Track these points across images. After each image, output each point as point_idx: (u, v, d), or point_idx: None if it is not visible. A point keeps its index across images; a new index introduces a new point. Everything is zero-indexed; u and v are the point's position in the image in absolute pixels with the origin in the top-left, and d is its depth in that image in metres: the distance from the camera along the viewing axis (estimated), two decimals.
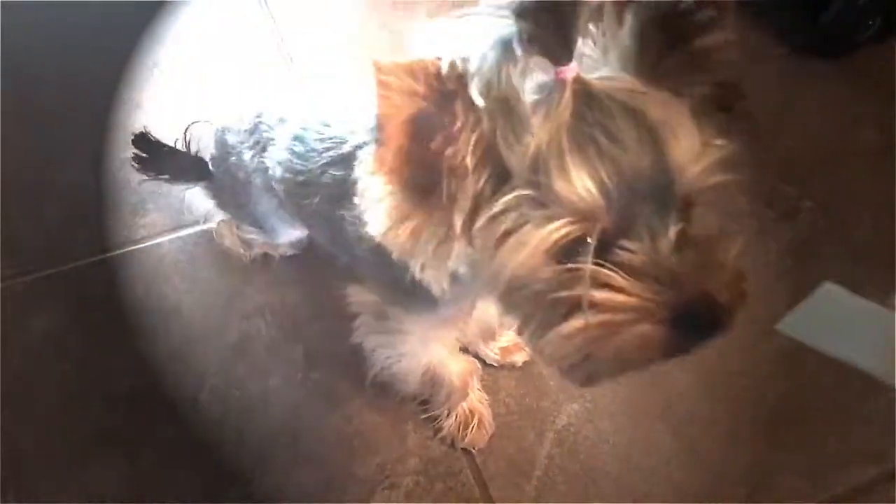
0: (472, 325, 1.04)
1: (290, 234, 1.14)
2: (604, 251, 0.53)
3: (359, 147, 0.76)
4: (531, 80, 0.51)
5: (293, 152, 0.86)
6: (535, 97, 0.51)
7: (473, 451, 1.08)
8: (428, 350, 0.95)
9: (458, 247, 0.56)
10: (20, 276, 1.19)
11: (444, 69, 0.50)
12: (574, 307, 0.55)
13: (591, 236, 0.52)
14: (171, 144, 1.12)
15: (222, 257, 1.22)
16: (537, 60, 0.51)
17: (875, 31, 1.45)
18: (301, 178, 0.86)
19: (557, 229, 0.52)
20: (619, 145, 0.50)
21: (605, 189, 0.50)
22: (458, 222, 0.54)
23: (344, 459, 1.07)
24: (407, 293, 0.75)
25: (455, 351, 1.02)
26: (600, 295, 0.53)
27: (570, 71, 0.51)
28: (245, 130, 0.97)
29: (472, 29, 0.51)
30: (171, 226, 1.25)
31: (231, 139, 1.00)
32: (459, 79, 0.50)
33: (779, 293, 1.24)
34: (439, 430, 1.08)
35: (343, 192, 0.78)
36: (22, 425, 1.08)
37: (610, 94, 0.51)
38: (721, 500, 1.07)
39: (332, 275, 1.17)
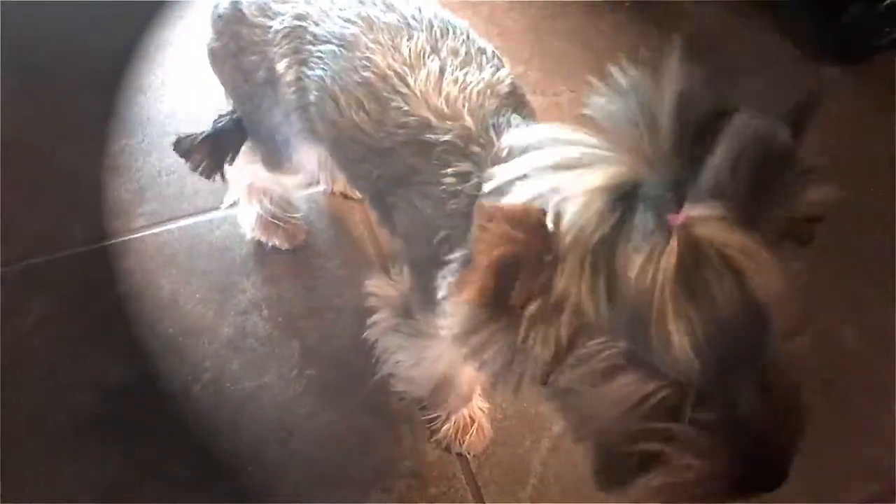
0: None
1: (305, 162, 1.04)
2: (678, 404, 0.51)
3: (444, 146, 0.73)
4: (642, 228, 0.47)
5: (360, 106, 0.78)
6: (640, 247, 0.46)
7: (469, 456, 1.07)
8: (449, 360, 0.91)
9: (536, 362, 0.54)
10: (16, 262, 1.18)
11: (548, 223, 0.48)
12: (650, 458, 0.53)
13: (684, 401, 0.50)
14: (209, 130, 1.06)
15: (220, 249, 1.21)
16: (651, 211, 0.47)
17: (892, 38, 1.43)
18: (364, 137, 0.79)
19: (655, 392, 0.50)
20: (714, 304, 0.45)
21: (697, 349, 0.46)
22: (535, 368, 0.53)
23: (337, 459, 1.06)
24: (434, 295, 0.74)
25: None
26: (685, 460, 0.51)
27: (681, 217, 0.46)
28: (276, 29, 0.85)
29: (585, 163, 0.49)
30: (170, 215, 1.23)
31: (247, 33, 0.88)
32: (559, 239, 0.48)
33: (786, 303, 1.23)
34: (434, 432, 1.07)
35: (408, 180, 0.76)
36: (13, 412, 1.07)
37: (716, 246, 0.46)
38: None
39: (329, 269, 1.18)
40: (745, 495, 0.54)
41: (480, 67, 0.77)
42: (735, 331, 0.46)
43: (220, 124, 1.06)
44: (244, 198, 1.16)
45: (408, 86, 0.76)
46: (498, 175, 0.53)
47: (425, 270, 0.74)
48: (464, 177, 0.72)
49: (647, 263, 0.46)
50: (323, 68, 0.80)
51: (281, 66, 0.85)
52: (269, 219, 1.17)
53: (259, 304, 1.17)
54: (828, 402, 1.14)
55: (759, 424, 0.50)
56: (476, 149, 0.72)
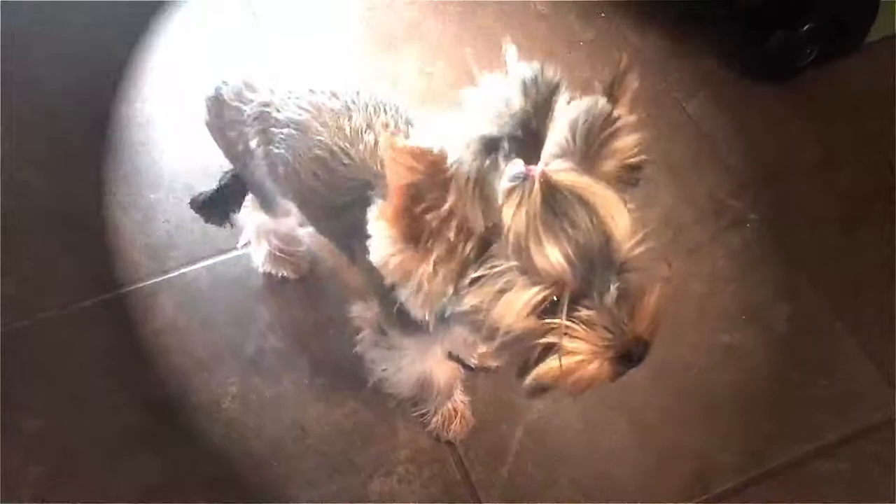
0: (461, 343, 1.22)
1: (287, 210, 1.24)
2: (568, 309, 0.70)
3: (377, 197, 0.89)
4: (505, 172, 0.66)
5: (315, 175, 0.97)
6: (510, 186, 0.66)
7: (456, 442, 1.26)
8: (422, 362, 1.11)
9: (447, 293, 0.72)
10: (73, 305, 1.38)
11: (440, 158, 0.64)
12: (547, 349, 0.72)
13: (562, 298, 0.69)
14: (215, 187, 1.27)
15: (238, 283, 1.41)
16: (512, 160, 0.66)
17: (814, 57, 1.61)
18: (321, 200, 0.99)
19: (539, 292, 0.68)
20: (578, 229, 0.66)
21: (571, 262, 0.67)
22: (448, 274, 0.71)
23: (345, 450, 1.26)
24: (404, 317, 0.90)
25: (442, 359, 1.18)
26: (569, 344, 0.71)
27: (537, 168, 0.67)
28: (248, 113, 1.03)
29: (465, 125, 0.67)
30: (196, 257, 1.44)
31: (227, 113, 1.07)
32: (451, 169, 0.64)
33: (725, 296, 1.42)
34: (426, 425, 1.26)
35: (357, 228, 0.89)
36: (75, 429, 1.27)
37: (568, 185, 0.67)
38: (672, 475, 1.24)
39: (330, 293, 1.38)
40: (619, 371, 0.73)
41: (407, 135, 0.95)
42: (592, 243, 0.67)
43: (223, 181, 1.27)
44: (254, 238, 1.37)
45: (350, 157, 0.95)
46: None
47: (385, 295, 0.90)
48: None
49: (520, 200, 0.66)
50: (285, 148, 1.00)
51: (253, 144, 1.05)
52: (277, 253, 1.37)
53: (274, 326, 1.37)
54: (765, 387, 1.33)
55: (621, 314, 0.71)
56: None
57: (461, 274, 0.70)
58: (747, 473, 1.24)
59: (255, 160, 1.07)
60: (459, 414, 1.25)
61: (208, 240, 1.45)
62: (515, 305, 0.69)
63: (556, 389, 0.75)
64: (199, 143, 1.51)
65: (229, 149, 1.14)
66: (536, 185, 0.65)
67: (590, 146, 0.69)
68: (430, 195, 0.66)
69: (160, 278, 1.42)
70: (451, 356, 1.27)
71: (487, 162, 0.64)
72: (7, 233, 1.45)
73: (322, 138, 0.97)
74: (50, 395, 1.31)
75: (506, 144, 0.64)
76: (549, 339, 0.71)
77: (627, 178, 0.74)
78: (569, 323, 0.70)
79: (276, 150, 1.01)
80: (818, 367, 1.34)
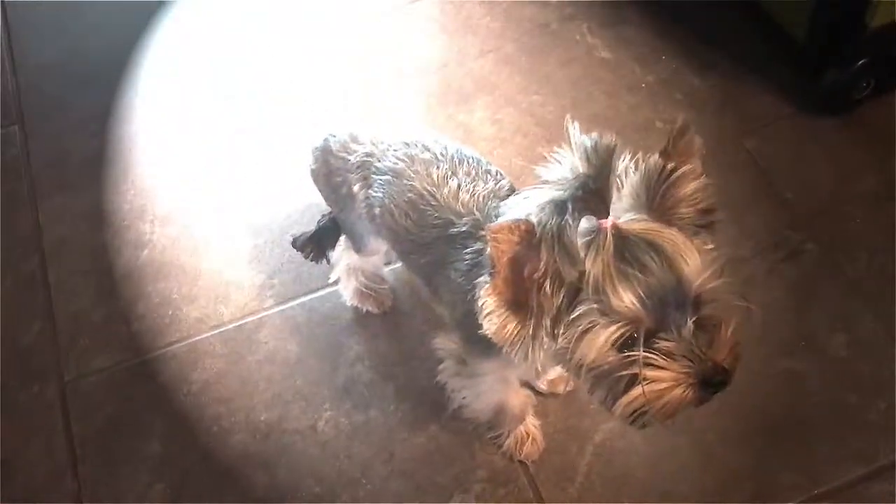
0: (532, 370, 1.34)
1: (377, 248, 1.39)
2: (647, 343, 0.79)
3: (463, 234, 1.04)
4: (581, 228, 0.76)
5: (408, 216, 1.10)
6: (587, 239, 0.77)
7: (528, 462, 1.37)
8: (499, 390, 1.24)
9: (545, 342, 0.83)
10: (183, 341, 1.56)
11: (530, 226, 0.75)
12: (631, 381, 0.80)
13: (638, 333, 0.78)
14: (314, 228, 1.44)
15: (329, 318, 1.56)
16: (586, 216, 0.77)
17: (870, 90, 1.66)
18: (412, 237, 1.11)
19: (617, 329, 0.77)
20: (649, 271, 0.76)
21: (642, 301, 0.76)
22: (547, 324, 0.80)
23: (427, 471, 1.38)
24: (479, 341, 1.02)
25: (517, 386, 1.30)
26: (650, 373, 0.79)
27: (608, 221, 0.77)
28: (353, 162, 1.18)
29: (542, 195, 0.78)
30: (292, 295, 1.60)
31: (334, 162, 1.22)
32: (537, 232, 0.75)
33: (783, 325, 1.49)
34: (500, 447, 1.38)
35: (444, 262, 1.07)
36: (188, 453, 1.44)
37: (637, 234, 0.77)
38: (732, 494, 1.32)
39: (412, 327, 1.52)
40: (703, 396, 0.81)
41: (486, 182, 1.09)
42: (663, 283, 0.76)
43: (321, 223, 1.44)
44: (344, 275, 1.52)
45: (436, 199, 1.08)
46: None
47: (466, 325, 1.04)
48: (478, 252, 1.00)
49: (596, 251, 0.76)
50: (382, 192, 1.14)
51: (356, 188, 1.19)
52: (364, 290, 1.52)
53: (362, 357, 1.52)
54: (821, 410, 1.39)
55: (700, 343, 0.80)
56: (484, 232, 1.00)
57: (557, 322, 0.80)
58: (806, 493, 1.31)
59: (356, 203, 1.20)
60: (531, 436, 1.36)
61: (302, 279, 1.62)
62: (597, 342, 0.78)
63: (652, 418, 0.83)
64: (292, 197, 1.72)
65: (332, 193, 1.28)
66: (609, 236, 0.76)
67: (653, 197, 0.80)
68: (527, 261, 0.77)
69: (260, 315, 1.59)
70: (523, 382, 1.40)
71: (562, 219, 0.74)
72: (131, 278, 1.66)
73: (414, 183, 1.10)
74: (168, 421, 1.48)
75: (570, 204, 0.74)
76: (632, 370, 0.79)
77: (700, 222, 0.84)
78: (647, 354, 0.78)
79: (375, 194, 1.15)
80: (876, 391, 1.39)
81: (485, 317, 0.82)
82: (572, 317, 0.78)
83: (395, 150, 1.15)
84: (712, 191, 0.84)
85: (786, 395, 1.41)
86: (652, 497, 1.33)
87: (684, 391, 0.80)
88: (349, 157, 1.20)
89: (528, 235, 0.75)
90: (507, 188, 1.09)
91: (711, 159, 1.66)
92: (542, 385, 1.42)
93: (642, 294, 0.76)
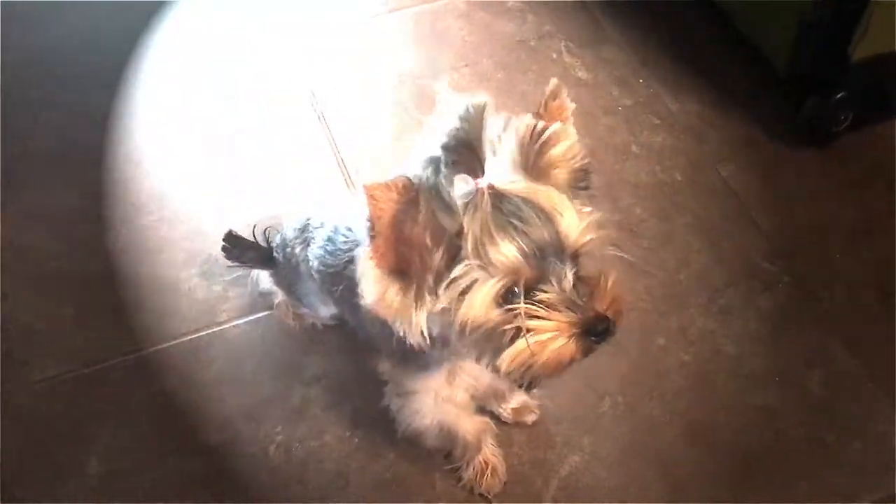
0: (483, 387, 1.27)
1: (326, 310, 1.40)
2: (529, 295, 0.78)
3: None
4: (459, 189, 0.75)
5: (326, 250, 1.12)
6: (466, 200, 0.75)
7: (489, 496, 1.30)
8: (439, 409, 1.16)
9: (429, 305, 0.81)
10: (131, 354, 1.47)
11: (407, 182, 0.74)
12: (515, 335, 0.80)
13: (518, 286, 0.78)
14: (251, 240, 1.41)
15: (286, 335, 1.49)
16: (461, 175, 0.76)
17: (849, 122, 1.64)
18: (331, 270, 1.11)
19: (496, 283, 0.77)
20: (525, 223, 0.76)
21: (523, 252, 0.76)
22: (430, 282, 0.79)
23: (385, 501, 1.31)
24: (407, 357, 1.04)
25: (468, 411, 1.23)
26: (531, 324, 0.79)
27: (484, 181, 0.77)
28: (297, 228, 1.24)
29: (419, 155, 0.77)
30: (247, 311, 1.52)
31: (289, 234, 1.27)
32: (416, 189, 0.74)
33: (757, 358, 1.44)
34: (460, 478, 1.31)
35: (355, 285, 1.03)
36: (138, 478, 1.34)
37: (513, 192, 0.77)
38: None
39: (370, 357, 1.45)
40: (586, 345, 0.80)
41: None
42: (542, 236, 0.76)
43: (260, 248, 1.40)
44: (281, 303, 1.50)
45: (347, 225, 1.08)
46: None
47: (388, 342, 0.99)
48: None
49: (474, 210, 0.75)
50: (315, 244, 1.16)
51: (298, 250, 1.22)
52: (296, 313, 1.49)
53: (319, 378, 1.44)
54: (800, 447, 1.35)
55: (580, 294, 0.80)
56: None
57: (439, 280, 0.79)
58: None
59: (301, 266, 1.23)
60: (491, 467, 1.29)
61: (258, 296, 1.54)
62: (479, 298, 0.78)
63: (539, 372, 0.81)
64: (291, 197, 1.65)
65: (289, 270, 1.31)
66: (486, 195, 0.75)
67: (528, 157, 0.80)
68: (407, 220, 0.75)
69: (213, 330, 1.51)
70: (485, 410, 1.33)
71: (438, 173, 0.73)
72: (82, 287, 1.56)
73: (331, 221, 1.13)
74: (113, 439, 1.38)
75: (444, 159, 0.73)
76: (514, 324, 0.79)
77: (579, 185, 0.85)
78: (529, 306, 0.78)
79: (311, 249, 1.17)
80: (852, 431, 1.35)
81: (364, 285, 0.80)
82: (453, 275, 0.77)
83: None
84: (586, 152, 0.84)
85: (760, 430, 1.36)
86: None
87: (568, 341, 0.79)
88: (296, 226, 1.25)
89: (406, 191, 0.74)
90: None
91: (688, 186, 1.67)
92: (507, 413, 1.36)
93: (522, 246, 0.76)
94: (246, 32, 1.95)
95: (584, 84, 1.83)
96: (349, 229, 1.09)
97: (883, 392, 1.38)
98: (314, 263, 1.16)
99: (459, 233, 0.76)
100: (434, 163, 0.74)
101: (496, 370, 0.84)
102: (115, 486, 1.33)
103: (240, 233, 1.42)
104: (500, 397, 1.34)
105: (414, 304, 0.80)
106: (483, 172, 0.77)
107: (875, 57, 1.55)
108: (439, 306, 0.80)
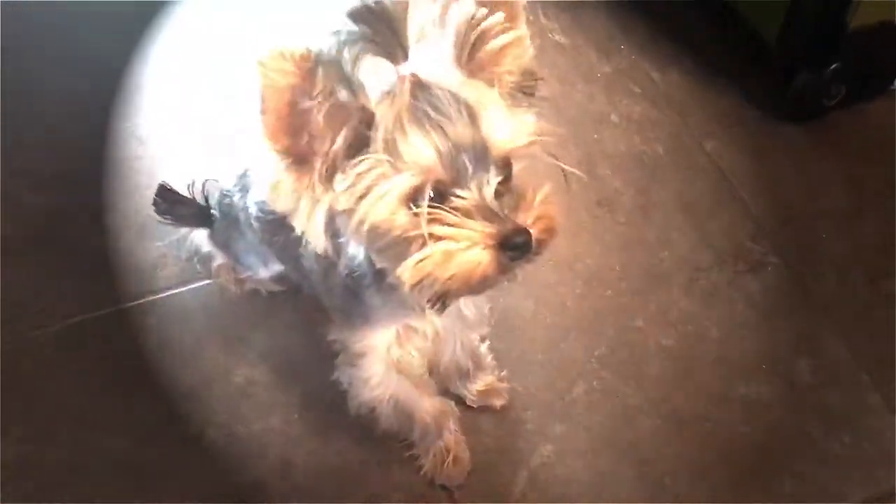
0: (445, 361, 1.16)
1: (267, 270, 1.28)
2: (443, 200, 0.70)
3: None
4: (376, 75, 0.69)
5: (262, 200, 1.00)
6: (385, 89, 0.68)
7: (451, 486, 1.18)
8: (390, 377, 1.05)
9: (325, 199, 0.72)
10: (51, 325, 1.32)
11: (306, 53, 0.65)
12: (423, 242, 0.70)
13: (426, 187, 0.69)
14: (186, 195, 1.26)
15: (230, 307, 1.34)
16: (379, 59, 0.68)
17: (841, 98, 1.55)
18: (269, 217, 1.01)
19: (404, 181, 0.68)
20: (446, 119, 0.67)
21: (438, 150, 0.67)
22: (323, 173, 0.70)
23: (334, 492, 1.18)
24: (350, 310, 0.94)
25: (428, 390, 1.13)
26: (440, 230, 0.69)
27: (406, 68, 0.69)
28: (237, 176, 1.12)
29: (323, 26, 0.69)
30: (187, 279, 1.38)
31: (226, 185, 1.16)
32: (315, 60, 0.66)
33: (744, 344, 1.34)
34: (420, 467, 1.18)
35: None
36: (52, 460, 1.20)
37: (437, 83, 0.69)
38: None
39: (323, 321, 1.32)
40: (501, 261, 0.70)
41: None
42: (464, 135, 0.68)
43: (196, 204, 1.26)
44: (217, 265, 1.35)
45: None
46: None
47: (330, 287, 0.94)
48: None
49: (391, 99, 0.68)
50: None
51: (237, 198, 1.12)
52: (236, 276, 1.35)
53: (265, 355, 1.30)
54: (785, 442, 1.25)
55: (502, 205, 0.70)
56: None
57: (333, 173, 0.70)
58: None
59: (241, 218, 1.12)
60: (452, 455, 1.17)
61: (197, 262, 1.39)
62: (385, 197, 0.69)
63: (447, 288, 0.72)
64: (197, 162, 1.48)
65: (225, 225, 1.21)
66: (407, 83, 0.68)
67: (463, 48, 0.71)
68: (305, 98, 0.67)
69: (149, 299, 1.36)
70: (449, 393, 1.22)
71: (343, 46, 0.67)
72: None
73: None
74: (31, 418, 1.23)
75: (350, 27, 0.67)
76: (422, 230, 0.70)
77: (523, 88, 0.76)
78: (438, 210, 0.69)
79: (248, 195, 1.08)
80: (841, 423, 1.26)
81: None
82: (357, 169, 0.69)
83: None
84: (533, 51, 0.75)
85: (744, 422, 1.26)
86: None
87: (480, 252, 0.70)
88: (236, 173, 1.13)
89: (304, 62, 0.66)
90: None
91: (670, 161, 1.56)
92: (472, 396, 1.24)
93: (437, 143, 0.68)
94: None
95: (561, 48, 1.71)
96: None
97: (874, 383, 1.29)
98: (252, 210, 1.05)
99: (369, 123, 0.68)
100: (338, 34, 0.68)
101: (400, 281, 0.74)
102: (32, 467, 1.19)
103: (174, 187, 1.27)
104: (465, 376, 1.22)
105: (309, 197, 0.72)
106: (406, 59, 0.69)
107: (871, 26, 1.46)
108: (340, 204, 0.71)
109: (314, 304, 1.28)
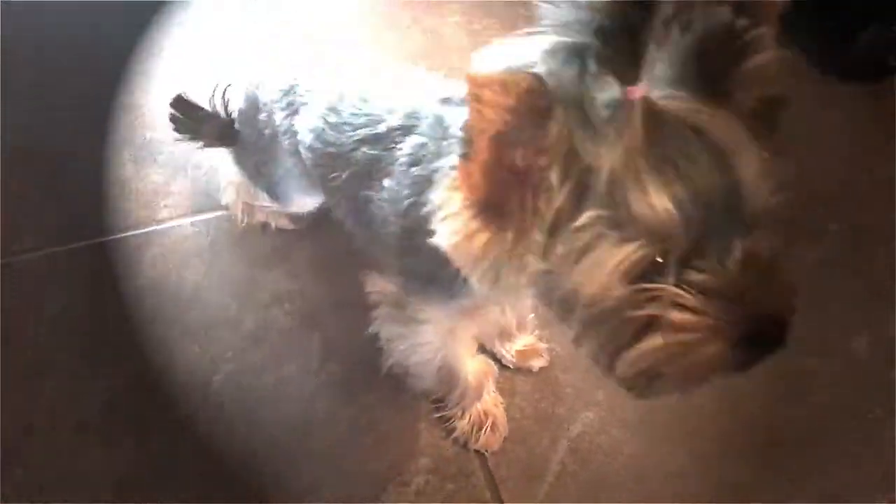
0: (489, 324, 1.04)
1: (302, 203, 1.14)
2: (678, 271, 0.55)
3: (395, 130, 0.80)
4: (602, 95, 0.52)
5: (326, 122, 0.87)
6: (606, 113, 0.52)
7: (487, 453, 1.07)
8: (444, 343, 0.94)
9: (531, 263, 0.57)
10: (35, 251, 1.18)
11: (535, 81, 0.50)
12: (645, 326, 0.56)
13: (668, 258, 0.54)
14: (206, 107, 1.11)
15: (243, 244, 1.22)
16: (607, 78, 0.52)
17: None
18: (331, 149, 0.87)
19: (637, 250, 0.53)
20: (690, 163, 0.51)
21: (682, 209, 0.51)
22: (540, 236, 0.55)
23: (355, 453, 1.07)
24: (427, 281, 0.79)
25: (472, 350, 1.02)
26: (678, 316, 0.54)
27: (639, 91, 0.51)
28: (280, 90, 0.97)
29: (539, 46, 0.52)
30: (194, 208, 1.24)
31: (263, 96, 1.00)
32: (548, 95, 0.50)
33: (798, 314, 1.24)
34: (452, 430, 1.07)
35: (373, 171, 0.81)
36: (30, 402, 1.07)
37: (678, 114, 0.52)
38: None
39: (351, 265, 1.19)
40: (745, 359, 0.56)
41: (423, 79, 0.88)
42: (713, 187, 0.52)
43: (219, 119, 1.10)
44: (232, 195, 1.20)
45: (361, 96, 0.85)
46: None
47: (404, 251, 0.79)
48: (420, 146, 0.76)
49: (618, 132, 0.51)
50: (306, 114, 0.91)
51: (278, 118, 0.96)
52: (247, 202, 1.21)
53: (281, 299, 1.18)
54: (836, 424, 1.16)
55: (749, 285, 0.55)
56: (425, 123, 0.77)
57: (555, 230, 0.55)
58: None
59: (280, 140, 0.98)
60: (491, 419, 1.07)
61: (210, 191, 1.26)
62: (604, 267, 0.54)
63: (667, 382, 0.59)
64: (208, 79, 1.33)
65: (256, 138, 1.04)
66: (638, 112, 0.51)
67: (708, 68, 0.54)
68: (524, 138, 0.52)
69: (150, 228, 1.22)
70: (486, 350, 1.11)
71: (583, 72, 0.51)
72: None
73: (336, 87, 0.89)
74: (13, 354, 1.10)
75: (592, 52, 0.51)
76: (650, 310, 0.55)
77: (764, 117, 0.57)
78: (677, 290, 0.54)
79: (298, 120, 0.93)
80: None
81: (443, 220, 0.58)
82: (576, 224, 0.54)
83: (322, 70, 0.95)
84: (786, 71, 0.58)
85: (798, 401, 1.16)
86: None
87: (720, 348, 0.55)
88: (278, 86, 0.98)
89: (531, 98, 0.50)
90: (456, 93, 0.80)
91: None
92: (510, 356, 1.13)
93: (680, 197, 0.51)
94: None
95: None
96: (363, 99, 0.85)
97: None
98: (305, 138, 0.90)
99: (589, 165, 0.52)
100: (579, 55, 0.51)
101: (605, 365, 0.60)
102: (8, 415, 1.05)
103: (193, 99, 1.11)
104: (506, 336, 1.11)
105: (507, 258, 0.57)
106: (637, 79, 0.52)
107: None
108: (545, 265, 0.57)
109: (340, 245, 1.17)
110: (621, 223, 0.53)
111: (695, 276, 0.54)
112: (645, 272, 0.54)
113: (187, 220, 1.23)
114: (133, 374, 1.10)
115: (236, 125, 1.08)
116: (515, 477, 1.06)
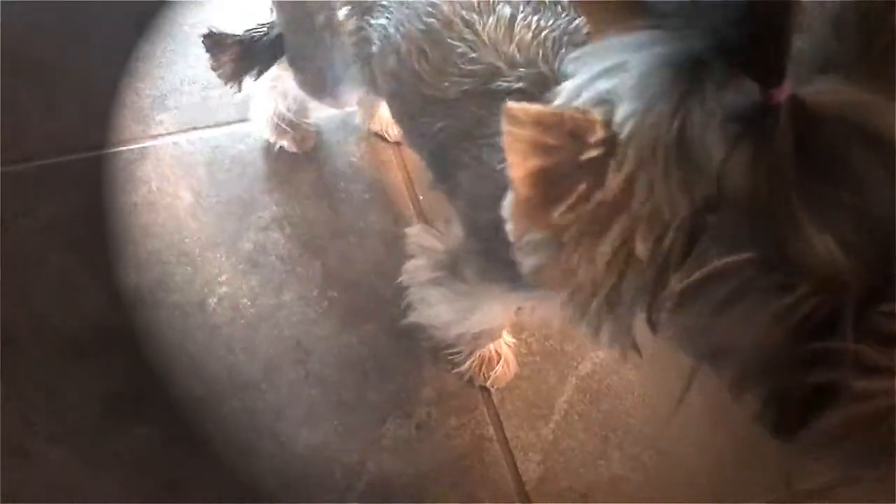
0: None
1: (341, 100, 1.04)
2: (856, 319, 0.41)
3: (512, 93, 0.66)
4: (728, 104, 0.40)
5: (423, 53, 0.73)
6: (737, 126, 0.40)
7: (493, 389, 1.02)
8: (489, 318, 0.87)
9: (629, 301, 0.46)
10: (28, 161, 1.12)
11: (585, 121, 0.41)
12: (817, 394, 0.43)
13: (843, 308, 0.40)
14: (240, 33, 1.02)
15: (242, 163, 1.15)
16: (736, 83, 0.40)
17: None
18: (427, 91, 0.73)
19: (799, 303, 0.40)
20: (866, 184, 0.38)
21: (853, 249, 0.39)
22: (630, 295, 0.45)
23: (355, 383, 1.02)
24: (497, 263, 0.67)
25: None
26: (863, 384, 0.41)
27: (784, 92, 0.39)
28: None
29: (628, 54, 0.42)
30: (191, 124, 1.17)
31: None
32: (613, 140, 0.41)
33: None
34: (458, 364, 1.02)
35: (474, 132, 0.70)
36: (17, 315, 1.02)
37: (844, 115, 0.39)
38: (750, 468, 1.02)
39: (356, 194, 1.12)
40: None
41: (556, 15, 0.70)
42: (889, 207, 0.38)
43: (256, 35, 1.01)
44: (263, 93, 1.10)
45: (475, 32, 0.69)
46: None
47: (491, 236, 0.64)
48: None
49: (755, 149, 0.39)
50: (387, 18, 0.75)
51: (342, 14, 0.81)
52: (280, 122, 1.12)
53: (281, 222, 1.12)
54: None
55: None
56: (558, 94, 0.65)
57: (662, 280, 0.44)
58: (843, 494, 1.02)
59: (339, 37, 0.84)
60: (503, 358, 1.01)
61: (209, 107, 1.19)
62: (756, 321, 0.42)
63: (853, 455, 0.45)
64: None
65: (303, 20, 0.88)
66: (784, 119, 0.38)
67: (872, 46, 0.41)
68: (572, 178, 0.42)
69: (143, 144, 1.15)
70: None
71: (704, 105, 0.39)
72: None
73: (438, 2, 0.72)
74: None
75: (716, 63, 0.39)
76: (825, 376, 0.42)
77: None
78: (858, 346, 0.40)
79: (375, 22, 0.78)
80: None
81: (526, 249, 0.47)
82: (701, 273, 0.42)
83: None
84: None
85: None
86: (645, 452, 1.01)
87: None
88: None
89: (578, 138, 0.40)
90: (585, 31, 0.70)
91: None
92: None
93: (848, 231, 0.38)
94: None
95: None
96: (476, 37, 0.71)
97: None
98: (386, 59, 0.78)
99: (708, 202, 0.40)
100: (681, 77, 0.39)
101: (774, 432, 0.48)
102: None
103: (223, 29, 1.03)
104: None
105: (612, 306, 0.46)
106: (782, 78, 0.39)
107: None
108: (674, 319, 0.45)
109: (344, 174, 1.12)
110: (772, 264, 0.41)
111: (882, 323, 0.40)
112: (816, 325, 0.41)
113: (183, 137, 1.16)
114: (125, 291, 1.04)
115: (283, 34, 0.97)
116: (521, 414, 1.02)
